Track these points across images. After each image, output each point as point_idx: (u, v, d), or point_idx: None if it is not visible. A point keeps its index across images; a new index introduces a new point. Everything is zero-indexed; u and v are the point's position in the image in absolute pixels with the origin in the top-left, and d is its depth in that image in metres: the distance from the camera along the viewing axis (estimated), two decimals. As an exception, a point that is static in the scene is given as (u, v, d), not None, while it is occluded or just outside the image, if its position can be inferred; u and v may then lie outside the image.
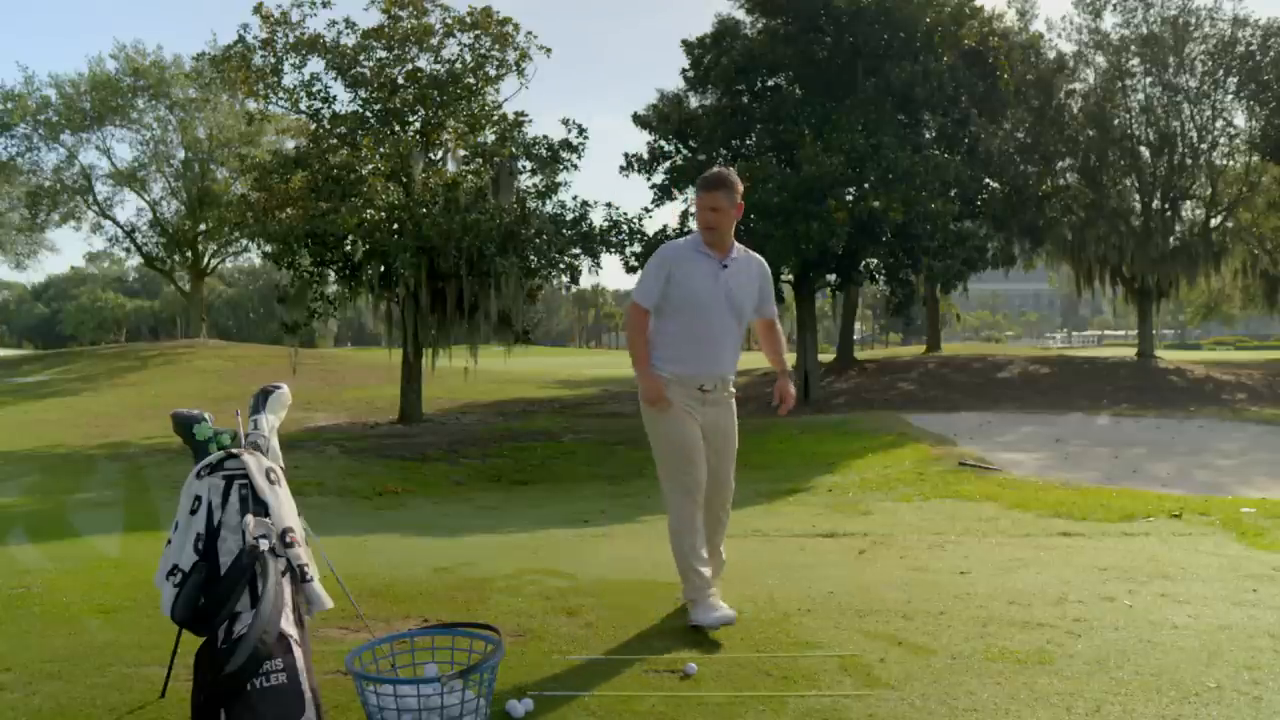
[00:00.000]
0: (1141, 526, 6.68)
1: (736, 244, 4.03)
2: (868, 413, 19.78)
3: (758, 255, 4.19)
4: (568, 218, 20.14)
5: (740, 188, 3.99)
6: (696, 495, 3.93)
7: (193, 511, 2.73)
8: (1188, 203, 28.85)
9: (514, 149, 19.78)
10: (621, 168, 24.39)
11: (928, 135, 24.19)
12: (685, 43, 24.70)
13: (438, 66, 19.88)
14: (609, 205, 21.23)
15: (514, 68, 20.16)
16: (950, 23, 23.29)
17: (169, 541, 2.75)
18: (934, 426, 15.97)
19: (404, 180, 19.17)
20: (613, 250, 20.81)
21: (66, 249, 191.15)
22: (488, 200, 19.06)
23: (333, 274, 20.11)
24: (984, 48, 23.93)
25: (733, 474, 4.15)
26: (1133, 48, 27.38)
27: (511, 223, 18.97)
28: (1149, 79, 27.53)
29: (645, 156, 24.40)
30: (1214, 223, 28.26)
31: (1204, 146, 27.51)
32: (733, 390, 4.10)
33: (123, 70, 36.56)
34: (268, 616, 2.56)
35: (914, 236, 20.97)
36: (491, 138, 20.33)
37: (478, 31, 19.80)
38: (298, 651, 2.63)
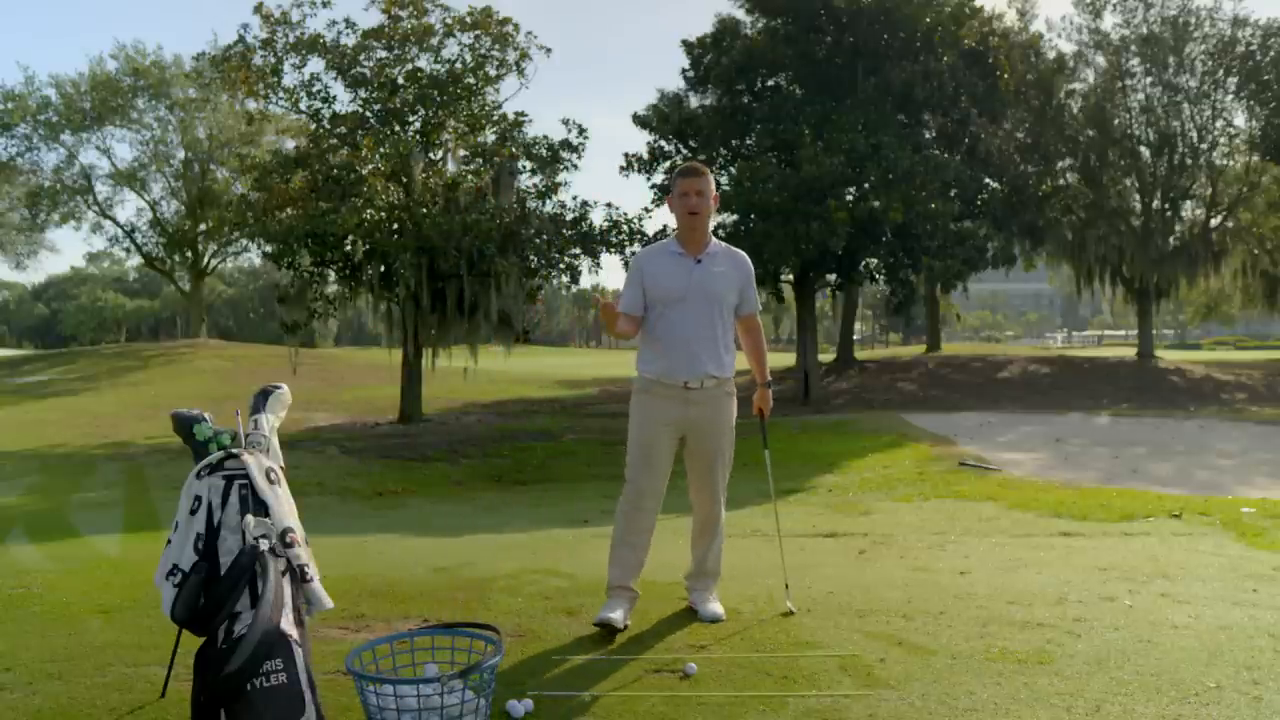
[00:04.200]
0: (1141, 526, 6.67)
1: (715, 240, 4.00)
2: (868, 413, 19.78)
3: (741, 252, 4.11)
4: (568, 218, 20.12)
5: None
6: (642, 500, 3.89)
7: (193, 511, 2.73)
8: (1188, 203, 28.86)
9: (514, 149, 19.78)
10: (621, 168, 24.38)
11: (928, 135, 24.22)
12: (685, 43, 24.71)
13: (438, 66, 19.88)
14: (609, 205, 21.18)
15: (514, 68, 20.16)
16: (950, 23, 23.30)
17: (169, 541, 2.75)
18: (934, 426, 15.96)
19: (404, 180, 19.17)
20: (613, 250, 20.78)
21: (66, 249, 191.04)
22: (488, 200, 19.06)
23: (333, 274, 20.12)
24: (984, 48, 23.95)
25: (718, 475, 3.94)
26: (1133, 48, 27.38)
27: (511, 223, 18.97)
28: (1149, 79, 27.54)
29: (645, 156, 24.38)
30: (1214, 223, 28.25)
31: (1204, 146, 27.50)
32: (729, 389, 3.96)
33: (123, 70, 36.55)
34: (268, 617, 2.56)
35: (914, 236, 20.97)
36: (491, 138, 20.34)
37: (478, 31, 19.81)
38: (298, 651, 2.63)
